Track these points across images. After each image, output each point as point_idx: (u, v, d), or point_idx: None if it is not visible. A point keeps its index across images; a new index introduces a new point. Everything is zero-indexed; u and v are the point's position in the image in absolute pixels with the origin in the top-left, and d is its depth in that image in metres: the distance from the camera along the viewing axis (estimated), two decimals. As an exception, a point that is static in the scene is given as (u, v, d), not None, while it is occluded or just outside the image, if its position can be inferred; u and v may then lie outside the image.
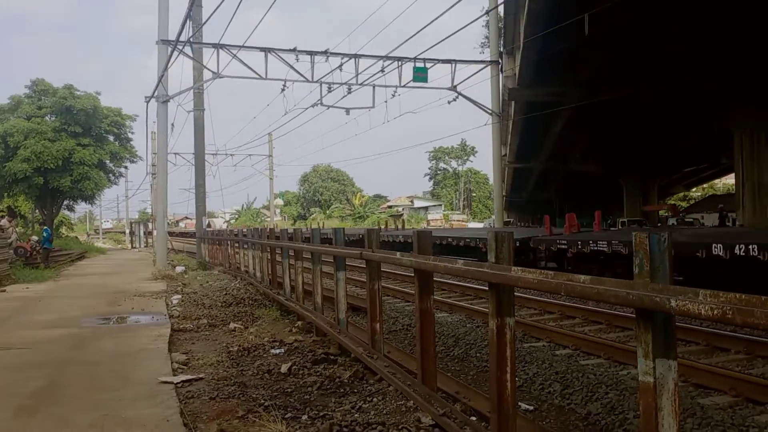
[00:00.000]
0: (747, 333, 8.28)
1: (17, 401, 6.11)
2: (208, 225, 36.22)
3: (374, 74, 27.09)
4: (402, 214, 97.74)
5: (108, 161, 45.37)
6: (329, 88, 27.68)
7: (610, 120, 30.47)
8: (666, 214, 45.16)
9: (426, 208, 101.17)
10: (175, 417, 5.54)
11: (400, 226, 52.01)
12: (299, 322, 10.53)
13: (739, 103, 25.26)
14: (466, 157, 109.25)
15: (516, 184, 46.84)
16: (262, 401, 6.10)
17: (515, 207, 56.91)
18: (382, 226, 48.81)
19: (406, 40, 27.66)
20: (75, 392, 6.49)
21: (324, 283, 10.17)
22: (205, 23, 26.04)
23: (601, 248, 15.55)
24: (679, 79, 24.67)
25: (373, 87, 28.11)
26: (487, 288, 4.65)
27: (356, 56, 26.67)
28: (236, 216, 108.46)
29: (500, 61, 32.09)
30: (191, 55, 27.39)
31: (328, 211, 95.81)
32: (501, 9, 30.89)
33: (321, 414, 5.69)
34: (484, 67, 31.54)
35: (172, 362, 7.76)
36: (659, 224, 40.68)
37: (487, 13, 32.37)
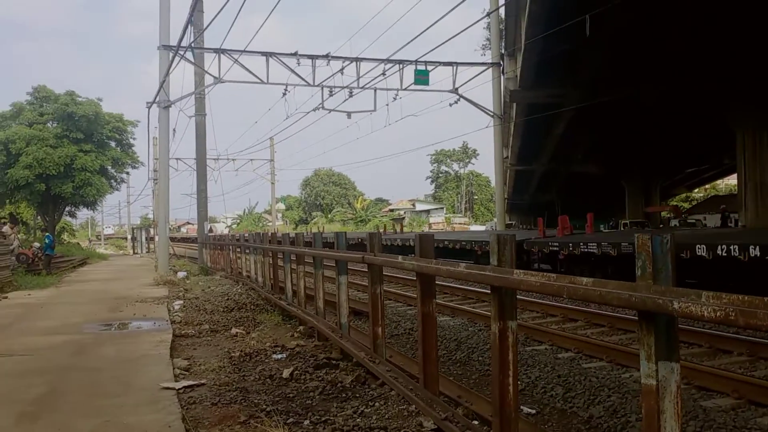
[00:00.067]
0: (749, 335, 8.26)
1: (19, 408, 6.10)
2: (210, 230, 36.24)
3: (375, 77, 27.11)
4: (404, 218, 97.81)
5: (110, 167, 45.43)
6: (330, 91, 27.69)
7: (612, 121, 30.43)
8: (668, 215, 45.06)
9: (428, 212, 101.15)
10: (176, 423, 5.53)
11: (398, 230, 52.10)
12: (301, 327, 10.52)
13: (741, 103, 25.21)
14: (467, 160, 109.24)
15: (518, 187, 46.78)
16: (264, 407, 6.09)
17: (517, 209, 56.80)
18: (381, 230, 48.94)
19: (407, 43, 27.76)
20: (77, 398, 6.48)
21: (326, 288, 10.16)
22: (206, 28, 26.04)
23: (591, 250, 16.03)
24: (680, 79, 24.63)
25: (375, 90, 28.14)
26: (489, 291, 4.63)
27: (357, 60, 26.68)
28: (238, 221, 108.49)
29: (501, 63, 32.10)
30: (192, 60, 27.43)
31: (329, 215, 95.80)
32: (502, 11, 30.88)
33: (323, 419, 5.68)
34: (486, 69, 31.53)
35: (173, 368, 7.75)
36: (661, 225, 40.60)
37: (488, 15, 32.33)
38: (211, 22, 21.09)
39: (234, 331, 10.72)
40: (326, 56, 26.55)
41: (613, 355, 8.07)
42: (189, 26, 24.19)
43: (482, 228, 65.73)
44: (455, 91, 29.75)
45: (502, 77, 31.89)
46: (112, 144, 45.10)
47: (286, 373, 7.31)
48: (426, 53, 26.38)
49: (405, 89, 28.16)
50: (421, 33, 22.02)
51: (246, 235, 20.65)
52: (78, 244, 58.91)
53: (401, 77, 27.81)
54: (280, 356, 8.43)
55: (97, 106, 42.90)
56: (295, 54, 26.32)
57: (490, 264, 4.66)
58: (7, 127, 41.29)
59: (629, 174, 42.48)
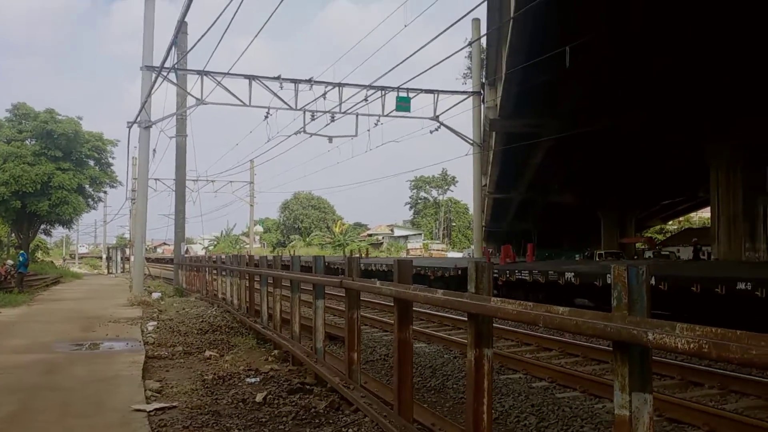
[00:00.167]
0: (721, 367, 8.33)
1: (-14, 428, 5.99)
2: (187, 251, 35.95)
3: (357, 103, 27.22)
4: (382, 243, 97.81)
5: (87, 186, 45.14)
6: (312, 116, 27.73)
7: (589, 152, 30.81)
8: (643, 246, 45.55)
9: (406, 237, 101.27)
10: (147, 446, 5.46)
11: (363, 255, 52.19)
12: (276, 351, 10.45)
13: (716, 139, 25.69)
14: (446, 187, 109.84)
15: (495, 215, 47.08)
16: (236, 431, 6.04)
17: (495, 237, 57.07)
18: (356, 254, 48.94)
19: (390, 70, 27.90)
20: (47, 418, 6.39)
21: (302, 312, 10.11)
22: (189, 51, 26.09)
23: (524, 277, 17.71)
24: (657, 113, 25.05)
25: (357, 116, 28.23)
26: (464, 318, 4.65)
27: (340, 85, 26.81)
28: (215, 242, 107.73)
29: (482, 91, 32.37)
30: (175, 81, 27.38)
31: (308, 239, 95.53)
32: (484, 40, 31.23)
33: (296, 444, 5.63)
34: (466, 98, 31.79)
35: (145, 390, 7.66)
36: (635, 257, 41.01)
37: (469, 44, 32.64)
38: (194, 45, 21.06)
39: (208, 353, 10.62)
40: (309, 81, 26.65)
41: (586, 385, 8.10)
42: (173, 48, 24.19)
43: (459, 255, 65.88)
44: (436, 118, 29.94)
45: (482, 106, 32.15)
46: (91, 163, 44.84)
47: (259, 398, 7.25)
48: (408, 80, 26.58)
49: (387, 115, 28.30)
50: (404, 61, 22.20)
51: (223, 257, 20.52)
52: (52, 262, 58.09)
53: (383, 103, 27.96)
54: (253, 380, 8.36)
55: (76, 124, 42.68)
56: (278, 78, 26.39)
57: (468, 291, 4.68)
58: (-16, 143, 40.90)
59: (605, 205, 42.97)
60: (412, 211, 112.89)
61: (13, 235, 49.58)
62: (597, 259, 36.83)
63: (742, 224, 25.37)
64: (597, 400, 7.60)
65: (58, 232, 66.74)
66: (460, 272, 21.21)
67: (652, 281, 12.33)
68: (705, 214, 57.05)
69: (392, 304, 6.28)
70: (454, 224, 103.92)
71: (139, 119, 26.47)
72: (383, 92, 27.58)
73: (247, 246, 72.88)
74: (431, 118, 29.83)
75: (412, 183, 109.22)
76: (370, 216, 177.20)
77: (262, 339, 11.70)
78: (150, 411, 6.64)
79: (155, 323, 15.14)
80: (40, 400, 7.20)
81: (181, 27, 25.16)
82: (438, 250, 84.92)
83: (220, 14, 12.93)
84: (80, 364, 9.46)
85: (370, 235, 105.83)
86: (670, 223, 65.09)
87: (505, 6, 22.76)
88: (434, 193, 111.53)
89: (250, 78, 26.13)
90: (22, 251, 31.82)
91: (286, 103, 26.73)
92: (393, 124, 39.89)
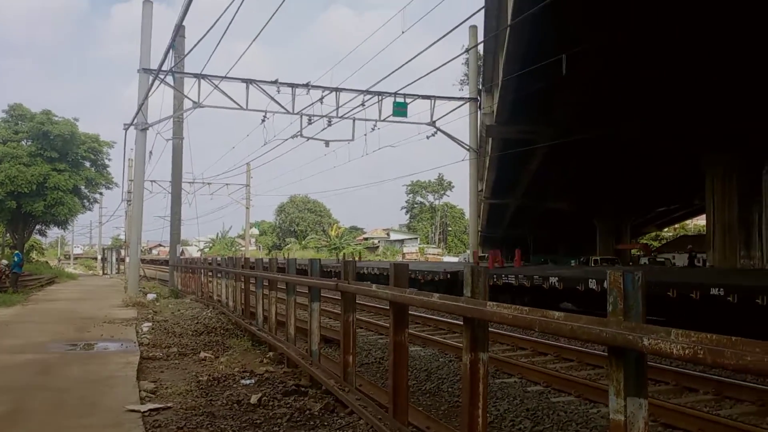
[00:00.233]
0: (716, 373, 8.35)
1: (-20, 427, 5.98)
2: (182, 253, 35.86)
3: (354, 108, 27.28)
4: (378, 246, 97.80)
5: (83, 187, 45.08)
6: (309, 120, 27.77)
7: (585, 159, 30.88)
8: (638, 253, 45.65)
9: (402, 241, 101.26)
10: (141, 446, 5.45)
11: (358, 258, 52.30)
12: (271, 353, 10.44)
13: (712, 147, 25.79)
14: (442, 192, 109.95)
15: (492, 220, 47.08)
16: (231, 432, 6.03)
17: (490, 242, 57.02)
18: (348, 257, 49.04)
19: (387, 76, 27.74)
20: (41, 418, 6.38)
21: (297, 314, 10.11)
22: (187, 54, 26.10)
23: (511, 281, 18.24)
24: (652, 121, 25.15)
25: (353, 120, 28.26)
26: (460, 322, 4.66)
27: (337, 90, 26.84)
28: (210, 244, 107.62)
29: (479, 98, 32.46)
30: (173, 84, 27.42)
31: (303, 242, 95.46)
32: (481, 47, 31.32)
33: (290, 446, 5.63)
34: (463, 104, 31.85)
35: (140, 390, 7.65)
36: (631, 263, 41.08)
37: (467, 51, 32.76)
38: (192, 49, 21.09)
39: (203, 354, 10.61)
40: (306, 85, 26.69)
41: (581, 390, 8.11)
42: (170, 51, 24.23)
43: (455, 259, 65.88)
44: (433, 124, 30.00)
45: (479, 112, 32.24)
46: (87, 164, 44.80)
47: (254, 399, 7.24)
48: (405, 86, 26.63)
49: (383, 120, 28.36)
50: (401, 67, 22.11)
51: (219, 259, 20.52)
52: (47, 262, 57.94)
53: (380, 108, 28.03)
54: (248, 382, 8.36)
55: (73, 125, 42.65)
56: (275, 82, 26.41)
57: (464, 295, 4.69)
58: (-21, 144, 40.85)
59: (601, 211, 43.04)
60: (408, 215, 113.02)
61: (8, 235, 49.50)
62: (592, 265, 36.89)
63: (738, 232, 25.44)
64: (592, 404, 7.61)
65: (53, 232, 66.74)
66: (449, 276, 21.53)
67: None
68: (700, 221, 57.21)
69: (387, 307, 6.28)
70: (450, 229, 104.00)
71: (135, 121, 26.48)
72: (380, 97, 27.65)
73: (243, 248, 72.80)
74: (428, 124, 29.90)
75: (409, 187, 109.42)
76: (366, 220, 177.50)
77: (257, 341, 11.69)
78: (144, 412, 6.63)
79: (150, 324, 15.11)
80: (35, 400, 7.18)
81: (179, 30, 25.26)
82: (434, 254, 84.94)
83: (218, 18, 13.00)
84: (75, 365, 9.44)
85: (366, 239, 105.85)
86: (666, 230, 65.25)
87: (502, 14, 22.87)
88: (430, 197, 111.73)
89: (248, 82, 26.15)
90: (17, 251, 31.76)
91: (283, 107, 26.77)
92: (389, 129, 40.01)
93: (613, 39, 18.96)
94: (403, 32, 18.89)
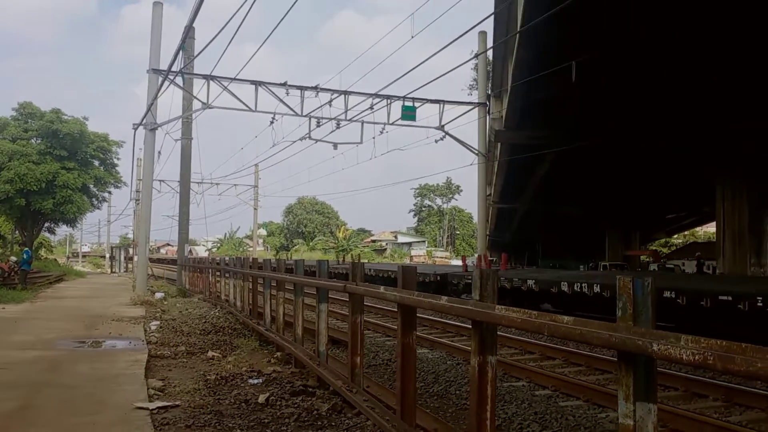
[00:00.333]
0: (725, 380, 8.32)
1: (-10, 422, 6.01)
2: (190, 252, 36.01)
3: (363, 111, 27.25)
4: (386, 249, 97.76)
5: (92, 186, 45.28)
6: (318, 122, 27.77)
7: (593, 165, 30.80)
8: (647, 259, 45.45)
9: (410, 244, 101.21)
10: (149, 444, 5.47)
11: (357, 260, 52.43)
12: (278, 353, 10.46)
13: (721, 158, 25.70)
14: (450, 195, 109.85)
15: (500, 224, 46.96)
16: (239, 431, 6.04)
17: (498, 246, 56.89)
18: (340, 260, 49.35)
19: (396, 80, 27.80)
20: (50, 415, 6.40)
21: (305, 315, 10.13)
22: (197, 56, 26.17)
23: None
24: (662, 131, 25.09)
25: (362, 123, 28.26)
26: (468, 325, 4.66)
27: (346, 93, 26.85)
28: (218, 245, 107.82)
29: (488, 103, 32.42)
30: (182, 85, 27.50)
31: (311, 243, 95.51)
32: (490, 53, 31.29)
33: (298, 446, 5.64)
34: (472, 109, 31.80)
35: (148, 388, 7.68)
36: (640, 269, 40.92)
37: (476, 56, 32.74)
38: (202, 50, 21.25)
39: (210, 354, 10.63)
40: (315, 88, 26.71)
41: (589, 394, 8.09)
42: (180, 52, 24.32)
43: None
44: (441, 128, 29.98)
45: (487, 117, 32.20)
46: (96, 163, 44.99)
47: (261, 399, 7.26)
48: (414, 90, 26.52)
49: (392, 124, 28.33)
50: (410, 71, 22.21)
51: (227, 258, 20.58)
52: (55, 260, 58.26)
53: (389, 112, 27.99)
54: (256, 381, 8.38)
55: (82, 124, 42.86)
56: (284, 84, 26.44)
57: (472, 298, 4.69)
58: (-10, 141, 41.10)
59: (610, 217, 42.85)
60: (416, 218, 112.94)
61: (17, 232, 49.74)
62: (601, 270, 36.78)
63: (748, 240, 25.33)
64: (600, 409, 7.59)
65: (62, 230, 67.00)
66: (438, 278, 22.63)
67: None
68: (710, 228, 56.93)
69: (395, 309, 6.29)
70: (458, 232, 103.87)
71: (144, 121, 26.59)
72: (389, 101, 27.63)
73: (251, 249, 72.93)
74: (436, 128, 29.87)
75: (417, 191, 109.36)
76: (374, 222, 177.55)
77: (264, 341, 11.72)
78: (152, 409, 6.65)
79: (158, 323, 15.16)
80: (43, 396, 7.21)
81: (189, 32, 25.34)
82: (441, 257, 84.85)
83: (228, 21, 13.01)
84: (83, 362, 9.48)
85: (373, 241, 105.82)
86: (676, 236, 64.92)
87: (512, 20, 22.84)
88: (438, 201, 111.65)
89: (257, 84, 26.20)
90: (26, 248, 31.90)
91: (291, 109, 26.79)
92: (398, 132, 39.89)
93: (622, 47, 18.92)
94: (412, 37, 18.94)
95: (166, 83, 25.15)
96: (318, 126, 27.92)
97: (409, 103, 27.74)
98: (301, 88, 26.70)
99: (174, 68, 24.73)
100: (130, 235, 71.36)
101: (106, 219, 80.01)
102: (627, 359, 3.17)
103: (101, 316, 16.23)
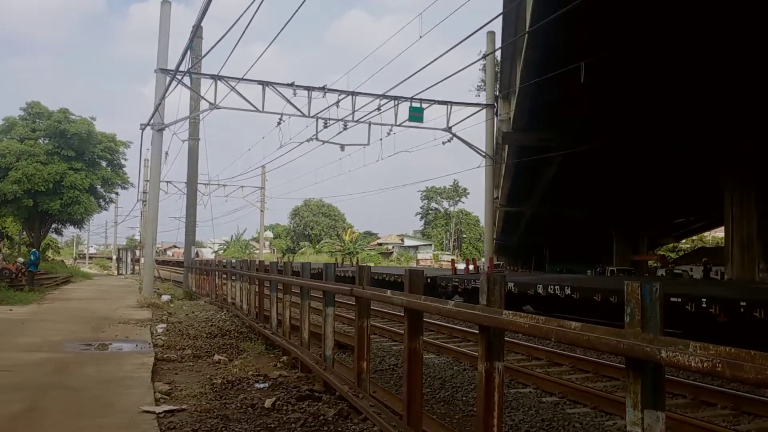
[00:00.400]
0: (734, 388, 8.27)
1: (-4, 424, 6.02)
2: (197, 254, 36.03)
3: (370, 112, 27.24)
4: (392, 252, 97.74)
5: (99, 186, 45.36)
6: (325, 123, 27.77)
7: (602, 168, 30.76)
8: (655, 264, 45.33)
9: (416, 247, 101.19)
10: (155, 448, 5.46)
11: (354, 262, 52.58)
12: (284, 357, 10.45)
13: (730, 164, 25.60)
14: (457, 198, 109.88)
15: (507, 228, 46.97)
16: (245, 436, 6.03)
17: (505, 250, 56.98)
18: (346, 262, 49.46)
19: (403, 81, 27.82)
20: (56, 417, 6.40)
21: (311, 319, 10.11)
22: (205, 56, 26.23)
23: (476, 286, 19.43)
24: (670, 135, 25.02)
25: (369, 124, 28.27)
26: (475, 330, 4.64)
27: (353, 94, 26.85)
28: (225, 247, 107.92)
29: (495, 104, 32.37)
30: (189, 85, 27.56)
31: (317, 246, 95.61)
32: (498, 54, 31.28)
33: (304, 451, 5.62)
34: (479, 110, 31.74)
35: (154, 391, 7.68)
36: (647, 274, 40.80)
37: (484, 57, 32.73)
38: (209, 51, 21.14)
39: (217, 357, 10.63)
40: (322, 88, 26.72)
41: (597, 401, 8.05)
42: (188, 52, 24.36)
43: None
44: (449, 129, 29.94)
45: (495, 119, 32.16)
46: (103, 163, 45.09)
47: (268, 403, 7.25)
48: (421, 91, 26.50)
49: (399, 125, 28.30)
50: (418, 72, 22.08)
51: (233, 261, 20.61)
52: (62, 261, 58.42)
53: (396, 113, 27.96)
54: (262, 385, 8.36)
55: (89, 124, 42.97)
56: (291, 84, 26.48)
57: (480, 303, 4.67)
58: (-3, 140, 41.24)
59: (618, 222, 42.79)
60: (423, 221, 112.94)
61: (24, 233, 49.91)
62: (609, 275, 36.69)
63: (756, 246, 25.20)
64: (608, 416, 7.54)
65: (69, 231, 67.21)
66: (428, 280, 22.83)
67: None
68: (719, 233, 56.74)
69: (401, 313, 6.26)
70: (464, 236, 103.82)
71: (152, 122, 26.64)
72: (396, 102, 27.61)
73: (257, 251, 73.02)
74: (444, 129, 29.83)
75: (423, 193, 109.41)
76: (381, 225, 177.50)
77: (271, 345, 11.70)
78: (159, 413, 6.65)
79: (165, 326, 15.18)
80: (50, 399, 7.22)
81: (197, 32, 25.41)
82: (448, 261, 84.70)
83: (236, 21, 13.01)
84: (90, 365, 9.49)
85: (380, 244, 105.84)
86: (684, 241, 64.75)
87: (520, 21, 22.83)
88: (445, 204, 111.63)
89: (264, 84, 26.23)
90: (33, 250, 32.01)
91: (299, 110, 26.82)
92: (405, 134, 39.87)
93: (631, 48, 18.87)
94: (420, 37, 18.90)
95: (174, 83, 25.19)
96: (325, 127, 27.93)
97: (416, 105, 27.72)
98: (309, 89, 26.73)
99: (182, 68, 24.76)
100: (137, 237, 71.65)
101: (112, 220, 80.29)
102: (635, 366, 3.15)
103: (108, 318, 16.26)
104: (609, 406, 7.76)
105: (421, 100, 27.78)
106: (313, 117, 27.30)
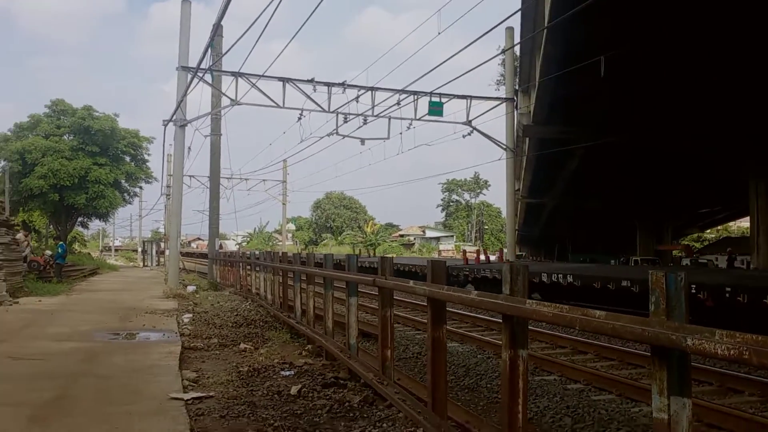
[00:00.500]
0: (761, 375, 8.22)
1: (30, 411, 6.14)
2: (220, 247, 36.32)
3: (390, 107, 27.23)
4: (413, 243, 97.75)
5: (123, 181, 45.93)
6: (345, 118, 27.82)
7: (623, 160, 30.50)
8: (680, 254, 44.89)
9: (438, 239, 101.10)
10: (185, 433, 5.56)
11: (371, 254, 52.72)
12: (309, 346, 10.55)
13: (755, 154, 25.30)
14: (479, 190, 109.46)
15: (528, 219, 46.74)
16: (272, 422, 6.12)
17: (527, 241, 56.67)
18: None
19: (422, 76, 27.65)
20: (87, 405, 6.52)
21: (335, 309, 10.19)
22: (225, 53, 26.32)
23: (486, 275, 22.47)
24: (693, 127, 24.76)
25: (389, 119, 28.23)
26: (498, 320, 4.66)
27: (373, 89, 26.82)
28: (248, 239, 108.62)
29: (515, 98, 32.18)
30: (210, 82, 27.76)
31: (339, 238, 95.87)
32: (517, 49, 31.10)
33: (330, 437, 5.69)
34: (499, 104, 31.53)
35: (182, 379, 7.78)
36: (671, 264, 40.44)
37: (503, 51, 32.50)
38: (230, 48, 21.28)
39: (242, 346, 10.75)
40: (342, 84, 26.74)
41: (622, 388, 8.04)
42: (208, 50, 24.53)
43: (493, 258, 65.51)
44: (469, 123, 29.82)
45: (515, 112, 31.99)
46: (127, 158, 45.65)
47: (294, 390, 7.33)
48: (441, 86, 26.37)
49: (419, 119, 28.23)
50: (437, 67, 21.92)
51: (257, 253, 20.77)
52: (89, 254, 59.18)
53: (415, 107, 27.85)
54: (288, 373, 8.46)
55: (113, 121, 43.49)
56: (311, 80, 26.53)
57: (502, 293, 4.69)
58: (24, 137, 41.90)
59: (641, 212, 42.40)
60: (444, 213, 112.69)
61: (51, 226, 50.63)
62: (633, 265, 36.42)
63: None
64: (633, 403, 7.53)
65: (95, 224, 68.05)
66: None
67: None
68: (744, 223, 56.04)
69: (424, 303, 6.30)
70: (486, 227, 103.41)
71: (174, 118, 26.89)
72: (416, 97, 27.55)
73: (280, 243, 73.39)
74: (464, 123, 29.72)
75: (445, 185, 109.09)
76: (402, 217, 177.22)
77: (295, 333, 11.82)
78: (187, 400, 6.75)
79: (191, 315, 15.35)
80: (79, 387, 7.35)
81: (217, 30, 25.61)
82: (470, 252, 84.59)
83: (256, 19, 13.18)
84: (118, 353, 9.64)
85: (401, 236, 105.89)
86: (708, 231, 64.02)
87: (539, 16, 22.70)
88: (466, 196, 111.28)
89: (285, 80, 26.31)
90: (60, 242, 32.46)
91: (319, 105, 26.87)
92: (425, 127, 39.83)
93: (652, 41, 18.69)
94: (439, 33, 18.94)
95: (195, 80, 25.39)
96: (345, 122, 28.00)
97: (436, 99, 27.64)
98: (329, 85, 26.78)
99: (203, 65, 24.96)
100: (161, 230, 72.29)
101: (137, 214, 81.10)
102: (661, 354, 3.16)
103: (135, 308, 16.47)
104: (634, 393, 7.75)
105: (440, 95, 27.70)
106: (333, 112, 27.36)
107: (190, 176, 43.37)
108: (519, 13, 22.78)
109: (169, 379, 7.75)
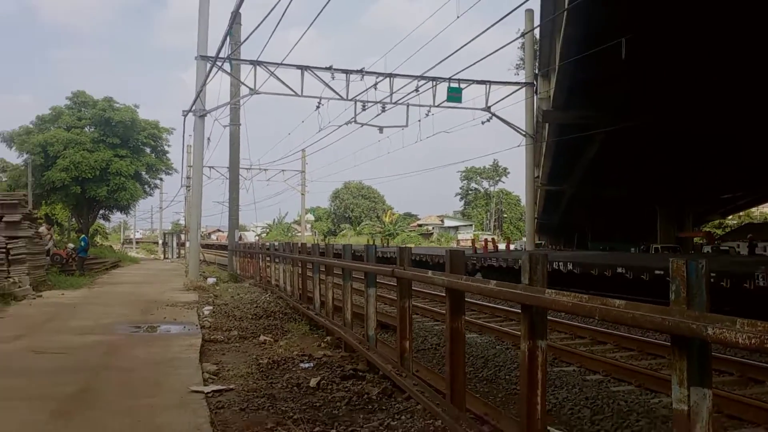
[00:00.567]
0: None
1: (53, 404, 6.23)
2: (240, 238, 36.52)
3: (408, 93, 27.16)
4: (432, 233, 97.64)
5: (144, 173, 46.21)
6: (363, 106, 27.80)
7: (644, 145, 30.19)
8: (701, 241, 44.43)
9: (456, 228, 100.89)
10: (205, 426, 5.61)
11: (386, 244, 52.91)
12: (328, 337, 10.59)
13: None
14: (497, 178, 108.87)
15: (548, 207, 46.45)
16: (291, 414, 6.15)
17: (547, 229, 56.32)
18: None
19: (441, 61, 27.63)
20: (108, 397, 6.60)
21: (353, 300, 10.21)
22: (244, 42, 26.37)
23: (493, 263, 23.43)
24: (715, 109, 24.42)
25: (407, 106, 28.19)
26: (517, 310, 4.64)
27: (391, 75, 26.76)
28: (267, 230, 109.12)
29: (535, 83, 31.97)
30: (229, 71, 27.81)
31: (358, 228, 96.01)
32: (537, 32, 30.85)
33: (349, 429, 5.73)
34: (519, 89, 31.37)
35: (203, 372, 7.85)
36: (692, 251, 40.05)
37: (522, 35, 32.31)
38: (248, 37, 21.50)
39: (262, 338, 10.82)
40: (360, 71, 26.71)
41: (641, 379, 7.99)
42: (227, 38, 24.55)
43: (512, 247, 65.31)
44: (488, 109, 29.69)
45: (535, 97, 31.76)
46: (147, 150, 45.87)
47: (313, 382, 7.37)
48: (459, 71, 26.28)
49: (437, 106, 28.16)
50: (455, 51, 21.58)
51: (276, 244, 20.85)
52: (110, 246, 59.77)
53: (434, 94, 27.80)
54: (307, 365, 8.50)
55: (133, 112, 43.71)
56: (329, 68, 26.53)
57: (521, 283, 4.67)
58: (45, 130, 42.24)
59: (662, 199, 41.95)
60: (463, 201, 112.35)
61: (73, 219, 51.14)
62: (653, 252, 36.14)
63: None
64: (653, 394, 7.49)
65: (116, 217, 68.70)
66: (442, 261, 23.75)
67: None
68: (767, 209, 55.34)
69: (442, 294, 6.29)
70: (505, 216, 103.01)
71: (194, 108, 26.97)
72: (434, 83, 27.46)
73: (299, 234, 73.64)
74: (483, 109, 29.60)
75: (463, 174, 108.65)
76: (420, 206, 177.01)
77: (314, 325, 11.86)
78: (208, 393, 6.81)
79: (211, 308, 15.47)
80: (102, 380, 7.45)
81: (236, 18, 25.58)
82: (490, 240, 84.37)
83: (274, 6, 13.08)
84: (140, 346, 9.73)
85: (420, 225, 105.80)
86: (730, 217, 63.25)
87: (560, -3, 22.47)
88: (485, 184, 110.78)
89: (303, 68, 26.33)
90: (83, 236, 32.80)
91: (337, 93, 26.87)
92: (444, 115, 39.62)
93: (674, 21, 18.45)
94: (458, 17, 18.69)
95: (214, 70, 25.44)
96: (363, 110, 28.00)
97: (454, 85, 27.55)
98: (347, 72, 26.75)
99: (221, 54, 24.98)
100: (182, 222, 72.72)
101: (158, 206, 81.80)
102: (681, 343, 3.13)
103: (156, 301, 16.62)
104: (654, 384, 7.70)
105: (459, 80, 27.60)
106: (351, 100, 27.34)
107: (209, 167, 43.60)
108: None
109: (190, 372, 7.82)
